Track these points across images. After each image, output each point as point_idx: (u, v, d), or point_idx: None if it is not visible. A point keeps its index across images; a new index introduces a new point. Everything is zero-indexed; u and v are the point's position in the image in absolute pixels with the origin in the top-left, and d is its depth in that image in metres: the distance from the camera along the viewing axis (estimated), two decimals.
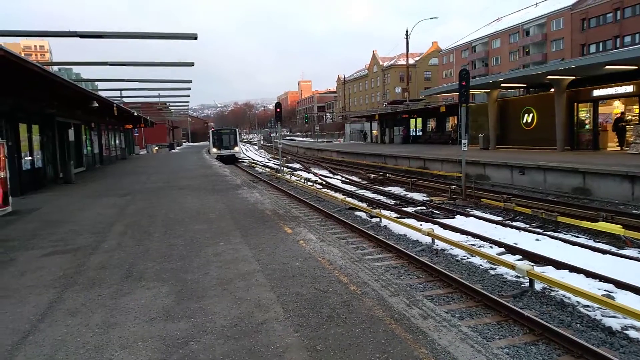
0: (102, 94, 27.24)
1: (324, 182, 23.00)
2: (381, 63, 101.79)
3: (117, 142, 38.60)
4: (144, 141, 59.15)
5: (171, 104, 45.27)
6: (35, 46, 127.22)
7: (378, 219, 13.08)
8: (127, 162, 33.61)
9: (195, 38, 14.52)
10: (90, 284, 5.47)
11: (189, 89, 29.15)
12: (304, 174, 27.40)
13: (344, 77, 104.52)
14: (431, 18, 46.49)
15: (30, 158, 15.91)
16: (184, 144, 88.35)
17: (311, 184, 22.01)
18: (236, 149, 40.70)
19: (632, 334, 5.88)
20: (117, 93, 33.69)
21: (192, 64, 19.17)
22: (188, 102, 42.17)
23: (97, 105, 20.15)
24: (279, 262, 6.03)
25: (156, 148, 56.60)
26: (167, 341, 3.87)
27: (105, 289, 5.25)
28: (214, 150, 39.94)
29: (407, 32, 47.96)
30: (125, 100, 36.45)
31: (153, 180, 18.14)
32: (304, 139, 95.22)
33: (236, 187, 14.63)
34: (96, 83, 35.60)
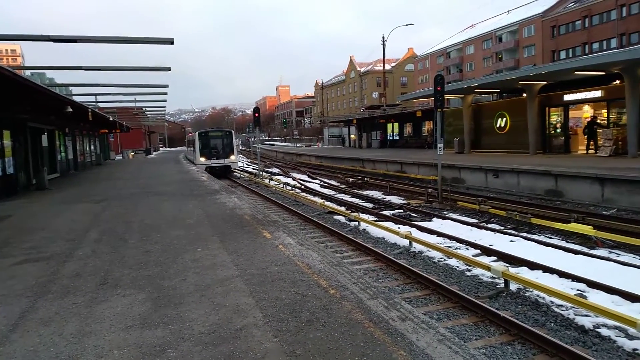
0: (77, 98, 26.64)
1: (302, 187, 23.01)
2: (358, 69, 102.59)
3: (92, 147, 37.86)
4: (119, 146, 58.16)
5: (147, 108, 44.62)
6: (6, 50, 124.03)
7: (357, 223, 13.15)
8: (102, 168, 33.00)
9: (172, 42, 14.39)
10: (64, 292, 5.35)
11: (165, 93, 28.81)
12: (283, 179, 27.36)
13: (322, 83, 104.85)
14: (407, 25, 47.23)
15: (1, 164, 15.48)
16: (160, 149, 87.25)
17: (290, 188, 21.99)
18: (232, 157, 30.55)
19: (603, 332, 6.05)
20: (92, 98, 33.03)
21: (168, 69, 18.97)
22: (165, 106, 41.59)
23: (71, 110, 19.73)
24: (257, 267, 6.01)
25: (132, 153, 55.72)
26: (143, 349, 3.81)
27: (80, 297, 5.14)
28: (201, 159, 29.63)
29: (383, 38, 48.54)
30: (101, 105, 35.75)
31: (129, 186, 17.85)
32: (283, 143, 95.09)
33: (214, 192, 14.51)
34: (70, 88, 34.64)
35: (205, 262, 6.36)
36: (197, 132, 31.92)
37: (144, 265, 6.34)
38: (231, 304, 4.72)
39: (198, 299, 4.94)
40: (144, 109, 45.12)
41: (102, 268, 6.28)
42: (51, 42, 13.74)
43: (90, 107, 25.52)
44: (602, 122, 22.70)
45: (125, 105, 39.90)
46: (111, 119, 33.47)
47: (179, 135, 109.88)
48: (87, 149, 35.56)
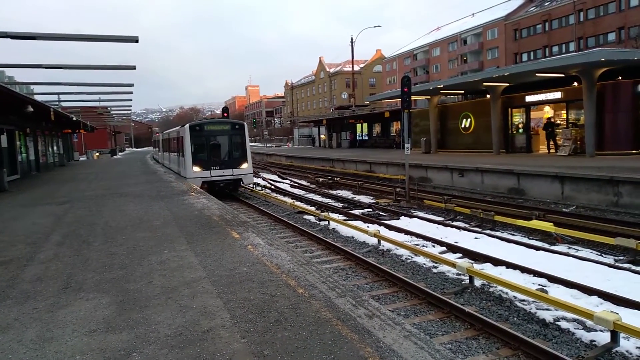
0: (38, 97, 25.84)
1: (273, 187, 22.94)
2: (328, 69, 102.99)
3: (55, 148, 36.64)
4: (84, 147, 56.60)
5: (113, 108, 43.53)
6: None
7: (326, 222, 13.22)
8: (65, 169, 31.99)
9: (137, 41, 14.10)
10: (24, 297, 5.18)
11: (131, 92, 28.19)
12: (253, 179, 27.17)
13: (292, 83, 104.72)
14: (375, 26, 47.79)
15: None
16: (126, 149, 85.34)
17: (260, 188, 21.88)
18: (245, 166, 19.73)
19: (563, 324, 6.28)
20: (55, 97, 32.02)
21: (133, 67, 18.55)
22: (130, 106, 40.66)
23: (32, 109, 19.12)
24: (226, 268, 5.96)
25: (97, 154, 54.26)
26: (107, 353, 3.73)
27: (41, 302, 4.99)
28: (195, 170, 19.00)
29: (352, 39, 48.90)
30: (64, 104, 34.68)
31: (93, 187, 17.38)
32: (253, 144, 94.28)
33: (182, 193, 14.29)
34: (32, 86, 33.45)
35: (172, 264, 6.27)
36: (187, 126, 19.92)
37: (109, 268, 6.20)
38: (198, 306, 4.67)
39: (164, 301, 4.86)
40: (109, 108, 44.02)
41: (64, 272, 6.10)
42: (9, 39, 13.23)
43: (52, 106, 24.76)
44: (561, 122, 23.56)
45: (90, 104, 38.81)
46: (75, 118, 32.54)
47: (145, 135, 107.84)
48: (50, 149, 34.41)
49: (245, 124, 20.72)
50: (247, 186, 20.86)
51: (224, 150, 19.54)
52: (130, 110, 47.03)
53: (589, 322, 6.00)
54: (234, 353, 3.65)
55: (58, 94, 31.63)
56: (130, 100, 33.60)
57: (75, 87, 26.36)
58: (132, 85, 24.88)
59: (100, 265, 6.37)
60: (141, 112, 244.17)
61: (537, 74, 20.61)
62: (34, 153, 28.33)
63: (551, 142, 23.32)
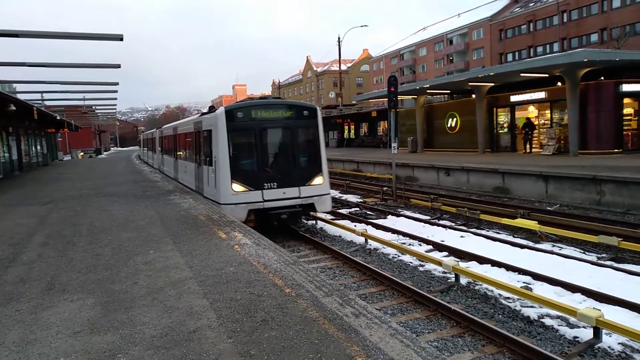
0: (21, 96, 25.45)
1: None
2: (315, 69, 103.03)
3: (39, 147, 36.11)
4: (68, 146, 55.83)
5: (97, 107, 43.01)
6: None
7: (314, 221, 13.21)
8: (49, 169, 31.52)
9: (121, 39, 13.96)
10: (6, 299, 5.10)
11: (115, 91, 27.86)
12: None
13: (279, 82, 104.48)
14: (362, 26, 47.96)
15: None
16: (112, 148, 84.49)
17: None
18: (319, 181, 11.77)
19: (547, 321, 6.37)
20: (38, 96, 31.55)
21: (118, 66, 18.37)
22: (115, 105, 40.21)
23: (14, 108, 18.81)
24: (212, 268, 5.93)
25: (81, 153, 53.61)
26: (92, 355, 3.69)
27: (24, 304, 4.91)
28: (235, 188, 10.98)
29: (339, 38, 48.96)
30: (47, 103, 34.18)
31: (78, 187, 17.14)
32: None
33: (168, 193, 14.16)
34: (14, 85, 32.87)
35: (157, 264, 6.21)
36: (220, 111, 11.66)
37: (93, 268, 6.13)
38: (184, 307, 4.64)
39: (150, 302, 4.82)
40: (93, 107, 43.50)
41: (48, 273, 6.02)
42: None
43: (35, 105, 24.43)
44: (545, 122, 23.83)
45: (74, 103, 38.32)
46: (58, 117, 32.11)
47: (131, 135, 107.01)
48: (33, 148, 33.89)
49: (318, 109, 12.81)
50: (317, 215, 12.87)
51: (284, 153, 12.00)
52: (115, 109, 46.56)
53: (572, 319, 6.09)
54: (220, 353, 3.64)
55: (42, 92, 31.19)
56: (115, 99, 33.23)
57: (59, 85, 25.96)
58: (117, 83, 24.62)
59: (85, 266, 6.29)
60: (126, 110, 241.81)
61: (521, 74, 20.85)
62: (17, 152, 27.87)
63: (532, 143, 23.45)
